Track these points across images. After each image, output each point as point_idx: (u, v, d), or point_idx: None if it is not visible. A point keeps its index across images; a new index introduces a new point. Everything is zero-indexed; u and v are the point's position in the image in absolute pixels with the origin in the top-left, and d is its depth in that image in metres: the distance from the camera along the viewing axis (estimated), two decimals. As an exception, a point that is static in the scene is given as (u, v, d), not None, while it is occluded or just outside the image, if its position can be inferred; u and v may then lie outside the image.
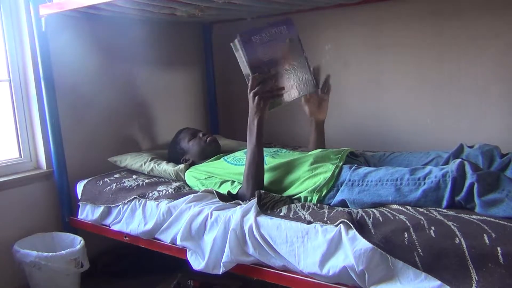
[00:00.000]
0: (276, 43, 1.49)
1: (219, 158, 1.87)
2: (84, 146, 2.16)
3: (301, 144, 2.45)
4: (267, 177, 1.59)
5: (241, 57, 1.46)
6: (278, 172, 1.59)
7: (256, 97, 1.49)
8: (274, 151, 1.81)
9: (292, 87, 1.56)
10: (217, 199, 1.54)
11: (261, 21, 2.48)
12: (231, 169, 1.73)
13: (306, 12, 2.36)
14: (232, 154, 1.87)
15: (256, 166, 1.53)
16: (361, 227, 1.19)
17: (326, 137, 1.90)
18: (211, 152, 1.97)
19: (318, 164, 1.55)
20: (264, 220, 1.36)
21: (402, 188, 1.32)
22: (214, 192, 1.57)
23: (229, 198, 1.55)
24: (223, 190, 1.61)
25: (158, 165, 1.95)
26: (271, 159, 1.68)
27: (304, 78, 1.58)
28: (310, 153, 1.69)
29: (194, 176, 1.77)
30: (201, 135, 2.02)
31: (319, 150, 1.72)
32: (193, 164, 1.97)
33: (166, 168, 1.91)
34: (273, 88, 1.51)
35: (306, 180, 1.52)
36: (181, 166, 1.88)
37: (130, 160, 2.06)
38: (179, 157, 2.02)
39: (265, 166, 1.61)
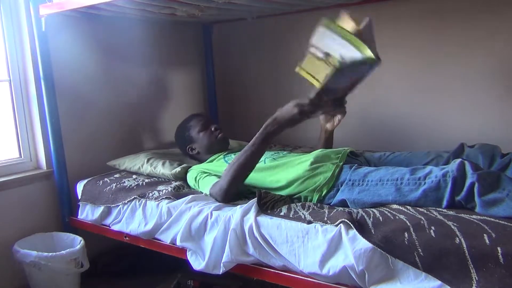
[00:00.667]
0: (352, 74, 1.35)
1: (219, 157, 1.87)
2: (84, 146, 2.16)
3: (301, 144, 2.45)
4: (267, 176, 1.59)
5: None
6: (278, 171, 1.59)
7: (298, 110, 1.37)
8: (274, 153, 1.81)
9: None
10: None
11: (261, 21, 2.48)
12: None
13: (306, 12, 2.36)
14: (232, 155, 1.86)
15: (245, 168, 1.49)
16: (361, 227, 1.19)
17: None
18: (219, 149, 1.96)
19: (318, 164, 1.55)
20: (264, 220, 1.36)
21: (402, 188, 1.32)
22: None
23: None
24: (207, 184, 1.61)
25: (154, 168, 1.94)
26: (271, 161, 1.68)
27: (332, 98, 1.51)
28: (310, 153, 1.69)
29: (194, 176, 1.77)
30: (213, 128, 1.98)
31: (319, 150, 1.72)
32: (198, 154, 1.97)
33: (163, 172, 1.90)
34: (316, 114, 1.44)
35: (306, 180, 1.52)
36: (178, 169, 1.86)
37: (128, 163, 2.05)
38: (186, 144, 2.00)
39: (265, 165, 1.61)
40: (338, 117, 1.75)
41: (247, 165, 1.50)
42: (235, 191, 1.54)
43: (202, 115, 2.11)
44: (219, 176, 1.69)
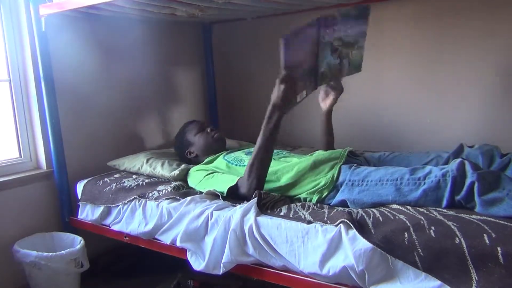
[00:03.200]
0: (307, 44, 1.44)
1: (219, 157, 1.87)
2: (84, 146, 2.16)
3: (301, 144, 2.45)
4: (266, 181, 1.59)
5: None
6: (278, 175, 1.59)
7: (282, 87, 1.38)
8: (275, 152, 1.81)
9: (304, 87, 1.51)
10: (217, 200, 1.54)
11: (261, 21, 2.49)
12: (231, 168, 1.73)
13: (306, 12, 2.36)
14: (232, 154, 1.86)
15: (265, 158, 1.50)
16: (361, 227, 1.19)
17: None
18: (216, 148, 1.97)
19: (318, 166, 1.55)
20: (264, 220, 1.36)
21: (402, 187, 1.32)
22: (213, 190, 1.58)
23: (225, 195, 1.55)
24: (223, 182, 1.60)
25: (154, 169, 1.94)
26: (271, 161, 1.68)
27: (313, 78, 1.56)
28: (310, 155, 1.69)
29: (195, 177, 1.77)
30: (209, 130, 2.00)
31: (319, 152, 1.73)
32: (196, 157, 1.97)
33: (163, 173, 1.90)
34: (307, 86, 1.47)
35: (306, 183, 1.52)
36: (176, 171, 1.86)
37: (128, 164, 2.05)
38: (184, 149, 2.02)
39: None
40: (332, 94, 1.77)
41: (266, 158, 1.51)
42: (263, 184, 1.53)
43: (197, 120, 2.12)
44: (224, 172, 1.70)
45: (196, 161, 1.99)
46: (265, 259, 1.36)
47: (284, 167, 1.60)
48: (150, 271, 2.11)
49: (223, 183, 1.60)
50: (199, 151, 1.98)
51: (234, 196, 1.57)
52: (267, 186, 1.57)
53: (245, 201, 1.48)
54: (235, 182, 1.56)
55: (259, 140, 1.48)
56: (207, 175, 1.71)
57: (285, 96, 1.40)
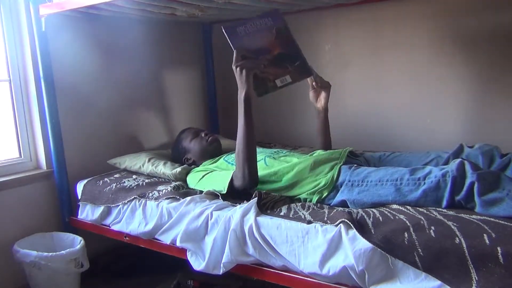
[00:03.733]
0: (262, 34, 1.55)
1: (220, 159, 1.87)
2: (84, 146, 2.16)
3: (301, 144, 2.45)
4: (267, 177, 1.59)
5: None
6: (278, 175, 1.59)
7: (238, 68, 1.48)
8: (274, 152, 1.81)
9: (285, 73, 1.58)
10: (216, 200, 1.54)
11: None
12: (231, 169, 1.73)
13: (306, 12, 2.36)
14: (232, 154, 1.86)
15: (246, 143, 1.52)
16: (361, 227, 1.19)
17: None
18: (212, 151, 1.97)
19: (318, 167, 1.55)
20: (264, 220, 1.36)
21: (402, 188, 1.32)
22: (212, 190, 1.58)
23: (225, 194, 1.56)
24: (221, 179, 1.61)
25: (155, 167, 1.95)
26: (271, 160, 1.68)
27: (296, 64, 1.61)
28: (310, 155, 1.69)
29: (194, 177, 1.77)
30: (203, 134, 2.02)
31: (319, 152, 1.73)
32: (193, 163, 1.97)
33: (164, 171, 1.90)
34: (259, 65, 1.52)
35: (306, 183, 1.52)
36: (178, 169, 1.87)
37: (129, 162, 2.06)
38: (181, 156, 2.02)
39: (265, 172, 1.60)
40: (323, 92, 1.78)
41: (250, 143, 1.53)
42: (255, 169, 1.55)
43: (192, 127, 2.15)
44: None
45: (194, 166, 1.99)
46: (265, 259, 1.36)
47: (285, 168, 1.60)
48: (150, 271, 2.11)
49: (220, 181, 1.61)
50: (195, 156, 1.98)
51: (234, 192, 1.57)
52: (268, 186, 1.57)
53: (245, 201, 1.48)
54: (231, 177, 1.57)
55: (238, 128, 1.52)
56: (205, 174, 1.72)
57: (243, 78, 1.47)
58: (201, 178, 1.71)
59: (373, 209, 1.31)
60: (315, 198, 1.47)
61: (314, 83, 1.77)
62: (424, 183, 1.29)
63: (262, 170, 1.60)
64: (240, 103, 1.51)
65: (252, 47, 1.52)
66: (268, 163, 1.67)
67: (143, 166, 1.99)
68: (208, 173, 1.72)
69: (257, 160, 1.58)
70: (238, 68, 1.48)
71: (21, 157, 2.03)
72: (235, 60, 1.49)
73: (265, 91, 1.55)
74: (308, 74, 1.66)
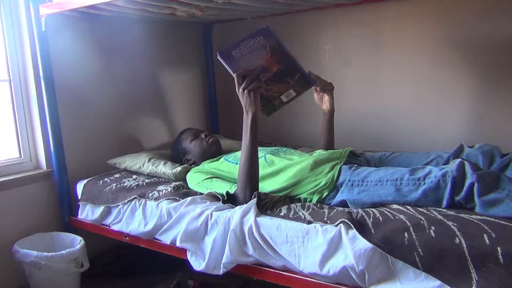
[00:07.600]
0: (257, 53, 1.56)
1: (220, 159, 1.87)
2: (84, 146, 2.16)
3: (301, 144, 2.45)
4: (267, 181, 1.59)
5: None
6: (278, 176, 1.59)
7: (245, 92, 1.45)
8: (275, 149, 1.81)
9: (289, 87, 1.58)
10: (216, 202, 1.54)
11: (261, 21, 2.48)
12: (232, 168, 1.73)
13: (306, 12, 2.36)
14: (232, 154, 1.87)
15: (250, 165, 1.49)
16: (361, 227, 1.19)
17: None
18: (212, 153, 1.97)
19: (319, 166, 1.55)
20: (264, 220, 1.36)
21: (402, 188, 1.32)
22: (214, 192, 1.57)
23: (226, 199, 1.54)
24: (221, 189, 1.60)
25: (156, 166, 1.95)
26: (271, 156, 1.68)
27: (296, 77, 1.61)
28: (310, 155, 1.69)
29: (195, 178, 1.77)
30: (203, 136, 2.01)
31: (319, 151, 1.73)
32: (193, 164, 1.97)
33: (165, 171, 1.90)
34: (262, 84, 1.50)
35: (307, 183, 1.52)
36: (179, 168, 1.87)
37: (129, 162, 2.06)
38: (181, 157, 2.02)
39: (266, 170, 1.60)
40: (326, 94, 1.78)
41: (254, 166, 1.50)
42: (256, 188, 1.52)
43: (191, 128, 2.14)
44: (223, 177, 1.70)
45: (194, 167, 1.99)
46: (265, 259, 1.36)
47: (286, 166, 1.60)
48: (150, 271, 2.11)
49: (220, 190, 1.60)
50: (196, 157, 1.98)
51: (232, 201, 1.56)
52: (268, 185, 1.57)
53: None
54: (232, 193, 1.55)
55: (242, 150, 1.50)
56: (206, 179, 1.70)
57: (251, 99, 1.45)
58: (201, 182, 1.71)
59: (373, 209, 1.31)
60: (315, 198, 1.47)
61: (317, 87, 1.76)
62: (424, 183, 1.29)
63: (262, 168, 1.60)
64: (247, 125, 1.47)
65: (250, 68, 1.51)
66: (268, 159, 1.67)
67: (143, 166, 1.99)
68: (208, 178, 1.71)
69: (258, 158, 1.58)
70: (245, 91, 1.45)
71: (21, 157, 2.03)
72: (238, 84, 1.46)
73: (273, 109, 1.54)
74: (310, 85, 1.64)
